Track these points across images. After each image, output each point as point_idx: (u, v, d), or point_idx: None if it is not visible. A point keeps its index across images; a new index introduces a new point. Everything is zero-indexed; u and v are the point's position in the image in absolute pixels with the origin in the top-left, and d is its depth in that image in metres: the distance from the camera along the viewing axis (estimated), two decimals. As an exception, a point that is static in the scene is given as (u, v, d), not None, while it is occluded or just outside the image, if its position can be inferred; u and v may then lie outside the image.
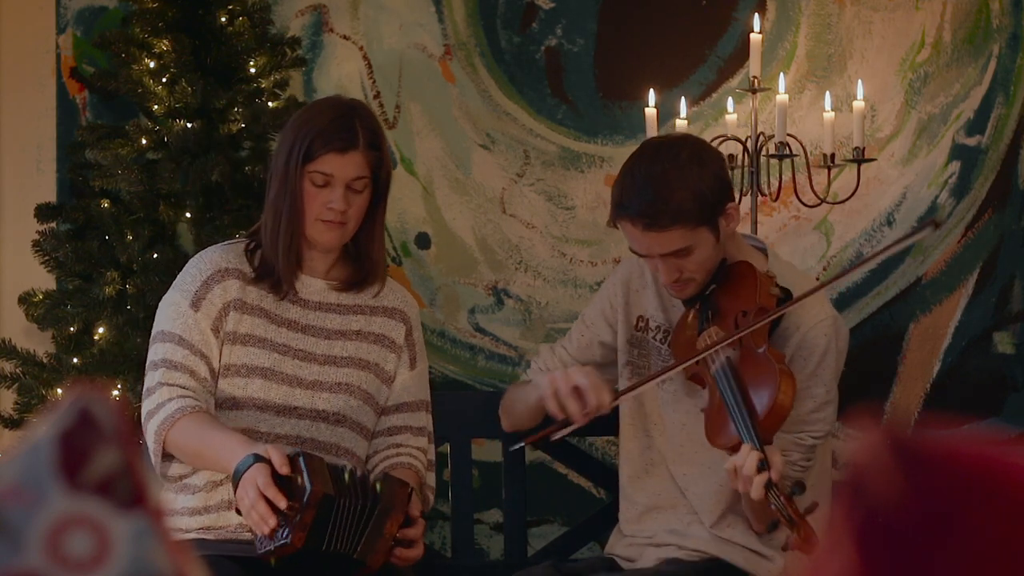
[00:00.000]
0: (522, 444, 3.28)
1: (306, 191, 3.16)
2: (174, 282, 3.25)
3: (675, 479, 3.30)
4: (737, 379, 3.08)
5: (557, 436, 3.18)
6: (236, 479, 2.98)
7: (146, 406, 3.15)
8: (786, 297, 3.16)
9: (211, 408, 3.16)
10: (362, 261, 3.26)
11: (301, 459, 2.97)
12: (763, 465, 2.91)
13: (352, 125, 3.16)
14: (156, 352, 3.20)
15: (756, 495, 2.91)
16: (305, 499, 2.93)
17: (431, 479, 3.33)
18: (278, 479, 2.96)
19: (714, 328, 3.16)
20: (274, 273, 3.21)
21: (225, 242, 3.33)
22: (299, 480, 2.95)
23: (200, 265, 3.24)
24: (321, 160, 3.15)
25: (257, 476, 2.95)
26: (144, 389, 3.19)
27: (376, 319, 3.30)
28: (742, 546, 3.26)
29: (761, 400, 3.04)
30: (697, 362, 3.14)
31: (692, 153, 3.15)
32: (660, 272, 3.16)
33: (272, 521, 2.93)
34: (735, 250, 3.24)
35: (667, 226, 3.08)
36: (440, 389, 4.56)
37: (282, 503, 2.93)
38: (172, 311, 3.21)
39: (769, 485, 2.91)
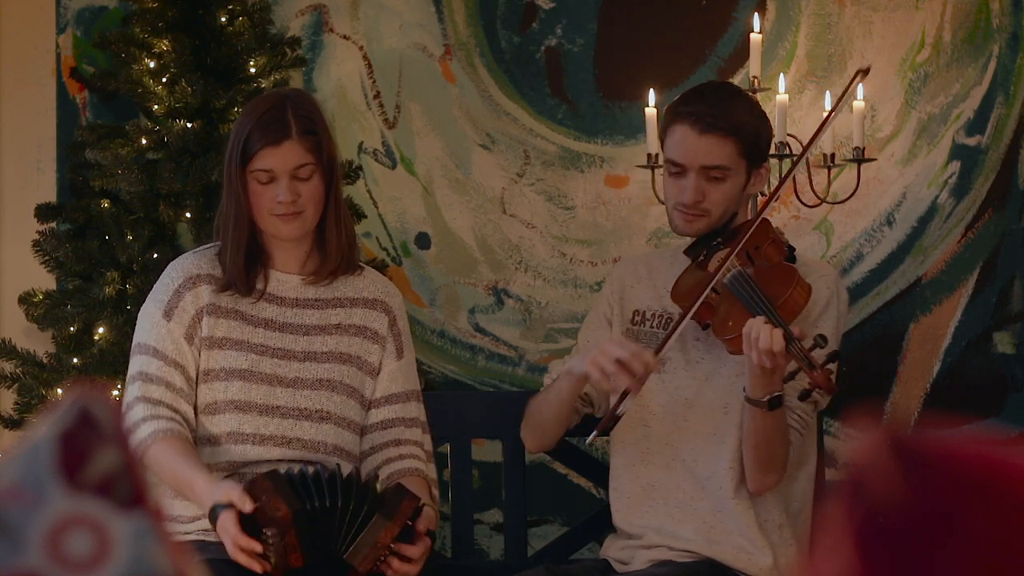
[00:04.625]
0: (594, 435, 3.24)
1: (253, 191, 3.17)
2: (151, 291, 3.27)
3: (678, 459, 3.29)
4: (752, 280, 3.16)
5: (622, 410, 3.18)
6: (212, 524, 3.05)
7: (125, 421, 3.16)
8: (792, 251, 3.26)
9: (189, 418, 3.19)
10: (328, 249, 3.26)
11: (254, 487, 3.00)
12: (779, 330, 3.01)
13: (282, 116, 3.16)
14: (133, 365, 3.24)
15: (777, 347, 2.97)
16: (280, 525, 2.96)
17: (432, 471, 3.33)
18: (248, 516, 2.99)
19: (726, 250, 3.22)
20: (235, 280, 3.21)
21: (197, 248, 3.35)
22: (266, 510, 2.99)
23: (172, 274, 3.25)
24: (258, 157, 3.15)
25: (227, 528, 2.99)
26: (124, 403, 3.21)
27: (356, 311, 3.30)
28: (734, 541, 3.25)
29: (776, 293, 3.13)
30: (705, 296, 3.18)
31: (758, 103, 3.39)
32: (686, 190, 3.22)
33: (258, 567, 2.98)
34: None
35: (723, 133, 3.20)
36: (440, 389, 4.57)
37: (257, 548, 2.98)
38: (147, 322, 3.24)
39: (790, 338, 2.98)
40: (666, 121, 3.29)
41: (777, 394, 3.07)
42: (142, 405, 3.16)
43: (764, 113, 3.38)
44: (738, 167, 3.23)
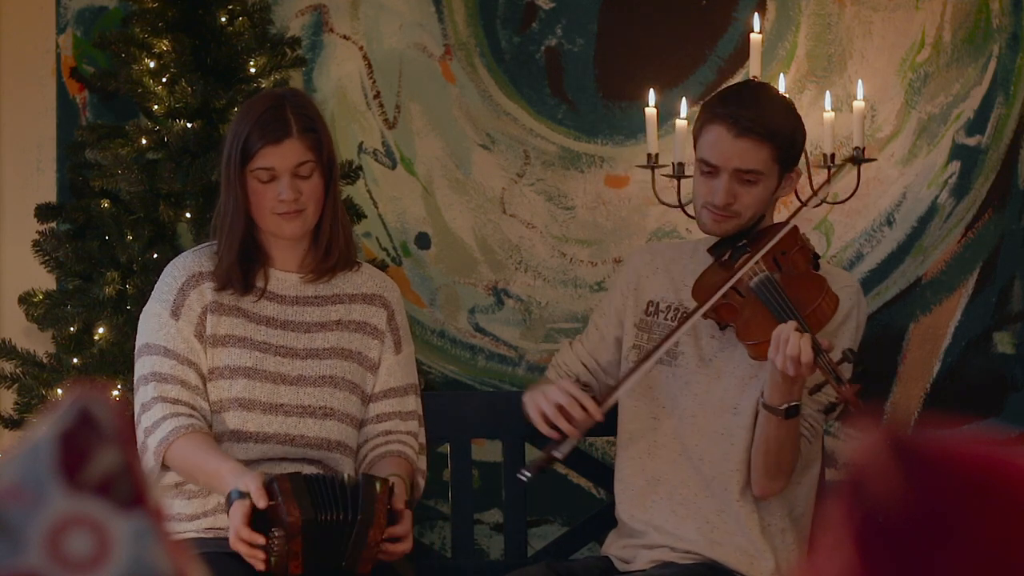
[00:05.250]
0: (528, 475, 3.25)
1: (254, 190, 3.17)
2: (152, 292, 3.27)
3: (685, 455, 3.29)
4: (779, 286, 3.15)
5: (560, 454, 3.19)
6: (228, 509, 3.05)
7: (143, 422, 3.17)
8: (817, 259, 3.25)
9: (207, 416, 3.19)
10: (328, 248, 3.27)
11: (276, 485, 2.99)
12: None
13: (282, 114, 3.17)
14: (144, 365, 3.22)
15: (805, 357, 2.95)
16: (288, 530, 2.96)
17: (422, 463, 3.33)
18: (261, 511, 2.99)
19: (751, 253, 3.21)
20: (230, 278, 3.22)
21: (197, 247, 3.36)
22: (280, 510, 2.99)
23: (174, 272, 3.25)
24: (259, 156, 3.16)
25: (236, 516, 3.00)
26: (138, 404, 3.21)
27: (355, 307, 3.30)
28: (737, 543, 3.25)
29: (805, 301, 3.12)
30: (725, 295, 3.17)
31: (793, 105, 3.37)
32: (718, 191, 3.20)
33: (259, 562, 2.98)
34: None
35: (760, 137, 3.18)
36: (440, 389, 4.57)
37: (259, 541, 2.98)
38: (154, 322, 3.23)
39: (818, 350, 2.97)
40: (701, 120, 3.26)
41: (795, 403, 3.06)
42: (161, 404, 3.16)
43: (799, 116, 3.34)
44: (771, 171, 3.21)
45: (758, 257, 3.18)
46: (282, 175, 3.15)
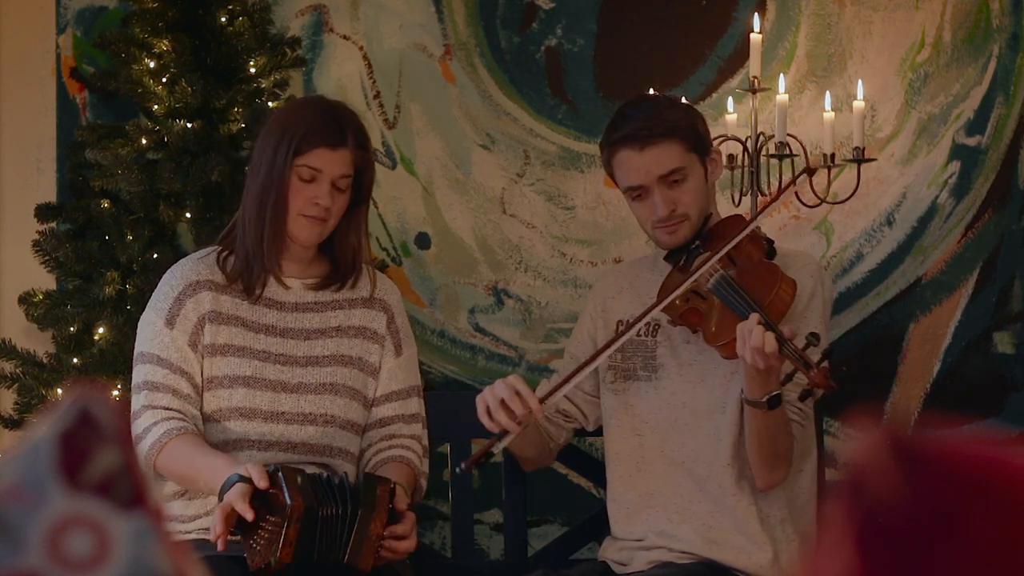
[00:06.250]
0: (464, 466, 3.24)
1: (292, 185, 3.17)
2: (150, 299, 3.27)
3: (676, 463, 3.29)
4: (735, 283, 3.17)
5: (497, 448, 3.18)
6: (221, 499, 3.01)
7: (134, 430, 3.17)
8: (771, 245, 3.26)
9: (198, 423, 3.18)
10: (341, 262, 3.27)
11: (280, 474, 2.98)
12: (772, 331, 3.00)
13: (341, 123, 3.20)
14: (137, 374, 3.23)
15: (770, 348, 2.96)
16: (287, 514, 2.95)
17: (425, 465, 3.33)
18: (260, 495, 2.97)
19: (706, 254, 3.22)
20: (250, 271, 3.21)
21: (197, 253, 3.34)
22: (280, 496, 2.97)
23: (172, 281, 3.25)
24: (311, 154, 3.17)
25: (232, 494, 2.96)
26: (131, 412, 3.21)
27: (355, 312, 3.30)
28: (734, 541, 3.25)
29: (762, 293, 3.13)
30: (689, 299, 3.17)
31: (679, 98, 3.44)
32: (657, 206, 3.22)
33: (219, 528, 2.94)
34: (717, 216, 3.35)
35: (663, 136, 3.21)
36: (440, 389, 4.57)
37: (249, 516, 2.95)
38: (149, 331, 3.23)
39: (783, 340, 2.98)
40: (606, 155, 3.29)
41: (776, 393, 3.07)
42: (149, 412, 3.16)
43: (689, 104, 3.43)
44: (691, 162, 3.24)
45: (713, 261, 3.18)
46: (324, 180, 3.17)
